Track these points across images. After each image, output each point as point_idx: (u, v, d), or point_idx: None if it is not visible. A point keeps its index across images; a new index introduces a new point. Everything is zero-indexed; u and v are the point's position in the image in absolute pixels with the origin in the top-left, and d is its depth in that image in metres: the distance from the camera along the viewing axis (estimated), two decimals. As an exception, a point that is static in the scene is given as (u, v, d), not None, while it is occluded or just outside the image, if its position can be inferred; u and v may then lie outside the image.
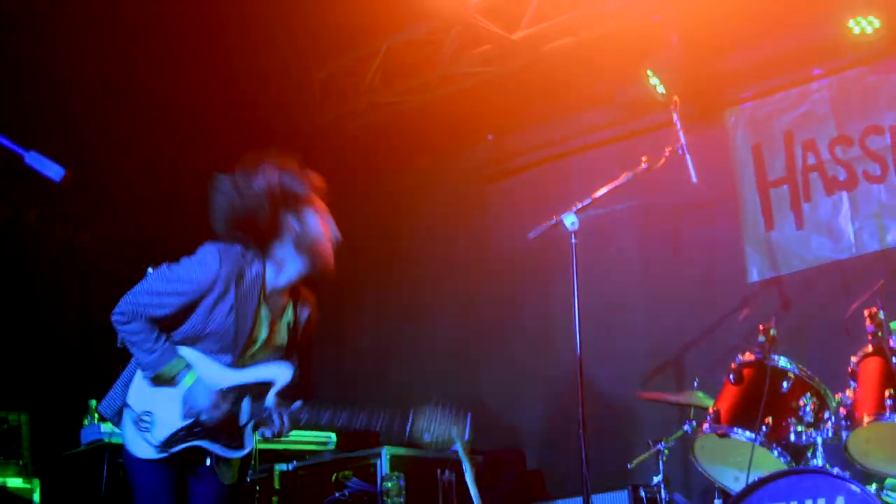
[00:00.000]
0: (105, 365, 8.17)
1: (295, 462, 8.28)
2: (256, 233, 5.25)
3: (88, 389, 8.00)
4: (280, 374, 5.32)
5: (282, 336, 5.46)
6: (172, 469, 5.30)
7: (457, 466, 7.82)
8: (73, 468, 7.86)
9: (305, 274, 5.38)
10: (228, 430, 5.30)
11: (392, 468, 7.87)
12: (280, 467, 8.21)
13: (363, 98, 9.66)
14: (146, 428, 5.24)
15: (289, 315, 5.48)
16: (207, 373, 5.28)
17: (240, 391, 5.28)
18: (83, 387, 8.22)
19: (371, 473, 7.94)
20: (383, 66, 9.44)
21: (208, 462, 5.35)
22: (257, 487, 7.75)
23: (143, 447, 5.24)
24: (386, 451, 7.91)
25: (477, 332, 9.75)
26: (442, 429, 5.21)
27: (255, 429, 5.37)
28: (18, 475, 7.76)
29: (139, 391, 5.33)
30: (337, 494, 8.02)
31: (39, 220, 8.83)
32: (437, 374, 9.79)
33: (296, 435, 8.29)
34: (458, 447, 7.38)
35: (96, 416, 7.69)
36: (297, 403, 5.28)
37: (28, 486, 7.66)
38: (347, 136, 9.97)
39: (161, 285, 5.26)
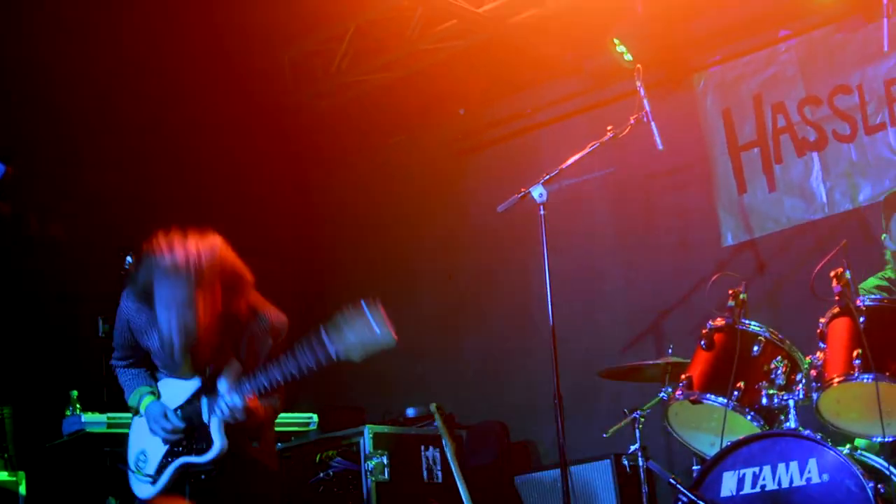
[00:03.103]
0: (84, 355, 8.23)
1: (280, 444, 8.29)
2: None
3: (69, 380, 8.03)
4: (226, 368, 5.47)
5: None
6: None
7: (440, 442, 7.85)
8: (56, 459, 7.88)
9: None
10: (195, 436, 5.44)
11: (375, 446, 7.89)
12: (264, 450, 8.22)
13: (334, 77, 9.66)
14: (142, 466, 5.50)
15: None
16: (166, 392, 5.57)
17: (198, 394, 5.46)
18: (64, 378, 8.23)
19: (354, 452, 7.96)
20: (352, 44, 9.43)
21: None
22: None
23: (142, 486, 5.50)
24: (369, 430, 7.93)
25: (456, 306, 9.76)
26: (358, 334, 5.15)
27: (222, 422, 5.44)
28: (4, 468, 7.74)
29: (133, 437, 5.63)
30: (321, 475, 8.05)
31: (12, 212, 8.79)
32: (417, 349, 9.79)
33: (278, 417, 8.31)
34: (438, 424, 7.42)
35: (77, 406, 7.70)
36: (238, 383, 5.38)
37: (13, 478, 7.65)
38: (319, 116, 9.98)
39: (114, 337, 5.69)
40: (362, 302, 5.11)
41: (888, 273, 6.61)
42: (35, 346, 8.74)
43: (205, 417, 5.43)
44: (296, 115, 10.03)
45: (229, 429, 5.41)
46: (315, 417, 8.41)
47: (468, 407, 9.22)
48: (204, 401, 5.44)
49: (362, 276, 10.35)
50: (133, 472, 5.52)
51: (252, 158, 9.87)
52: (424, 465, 8.14)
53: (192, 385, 5.50)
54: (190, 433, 5.45)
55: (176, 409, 5.46)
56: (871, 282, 6.59)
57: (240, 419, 5.36)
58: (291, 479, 8.14)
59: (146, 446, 5.52)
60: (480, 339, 9.57)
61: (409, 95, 9.69)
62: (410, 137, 10.17)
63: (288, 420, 8.37)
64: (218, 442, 5.41)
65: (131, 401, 5.57)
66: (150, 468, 5.48)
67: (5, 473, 7.64)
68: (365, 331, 5.12)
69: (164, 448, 5.47)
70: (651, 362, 7.07)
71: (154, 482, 5.44)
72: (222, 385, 5.43)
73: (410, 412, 8.59)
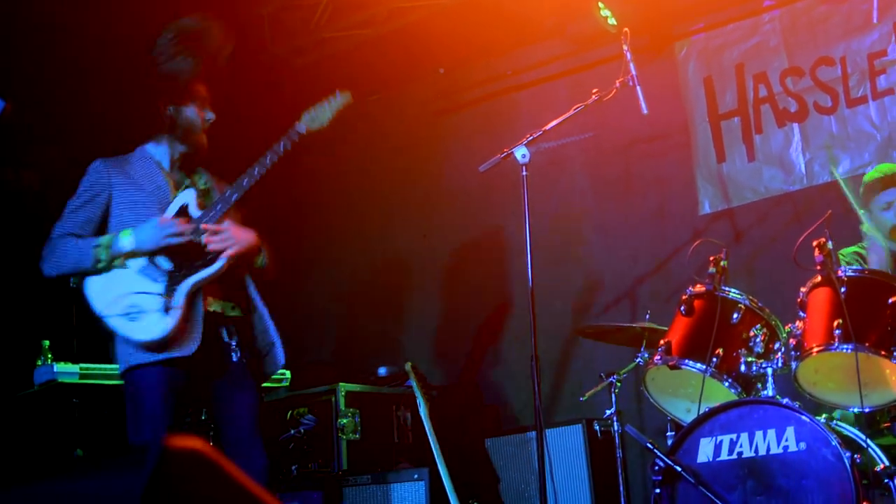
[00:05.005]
0: (57, 305, 8.16)
1: (250, 400, 8.26)
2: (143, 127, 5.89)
3: (41, 330, 7.96)
4: (185, 196, 5.76)
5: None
6: (182, 376, 5.52)
7: (412, 402, 7.83)
8: (27, 409, 7.82)
9: (184, 153, 5.91)
10: (195, 253, 5.60)
11: (347, 405, 7.88)
12: (235, 405, 8.18)
13: (313, 33, 9.57)
14: (139, 313, 5.46)
15: (199, 183, 5.95)
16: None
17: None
18: (35, 327, 8.16)
19: (327, 410, 7.95)
20: (333, 0, 9.34)
21: (235, 357, 5.68)
22: (213, 426, 7.74)
23: (152, 325, 5.46)
24: (341, 388, 7.91)
25: (431, 266, 9.74)
26: (323, 111, 5.97)
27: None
28: (-27, 418, 7.72)
29: (106, 301, 5.55)
30: (292, 432, 8.03)
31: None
32: (391, 308, 9.80)
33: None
34: (412, 382, 7.41)
35: (49, 356, 7.65)
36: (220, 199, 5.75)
37: (-19, 427, 7.63)
38: (297, 71, 9.89)
39: (67, 207, 5.77)
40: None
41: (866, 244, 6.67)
42: (6, 295, 8.67)
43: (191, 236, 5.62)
44: (273, 71, 9.93)
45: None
46: (288, 374, 8.38)
47: (440, 367, 9.24)
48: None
49: (337, 234, 10.32)
50: (132, 320, 5.47)
51: (227, 113, 9.77)
52: (396, 425, 8.14)
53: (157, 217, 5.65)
54: (191, 251, 5.60)
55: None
56: (850, 249, 6.63)
57: (225, 241, 5.63)
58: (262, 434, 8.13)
59: (134, 296, 5.51)
60: (454, 300, 9.55)
61: (389, 53, 9.60)
62: (389, 96, 10.11)
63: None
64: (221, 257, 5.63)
65: (104, 242, 5.55)
66: (155, 305, 5.47)
67: (-26, 423, 7.61)
68: (329, 104, 6.00)
69: (160, 285, 5.52)
70: (629, 324, 7.08)
71: (168, 309, 5.46)
72: (194, 211, 5.71)
73: (382, 371, 8.58)
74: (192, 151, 5.90)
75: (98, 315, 5.55)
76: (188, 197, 5.72)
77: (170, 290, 5.49)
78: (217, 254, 5.58)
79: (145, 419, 5.42)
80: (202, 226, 5.61)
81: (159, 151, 5.87)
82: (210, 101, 6.03)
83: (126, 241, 5.50)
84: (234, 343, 5.68)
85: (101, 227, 5.69)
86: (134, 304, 5.47)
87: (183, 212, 5.66)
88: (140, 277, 5.53)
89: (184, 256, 5.57)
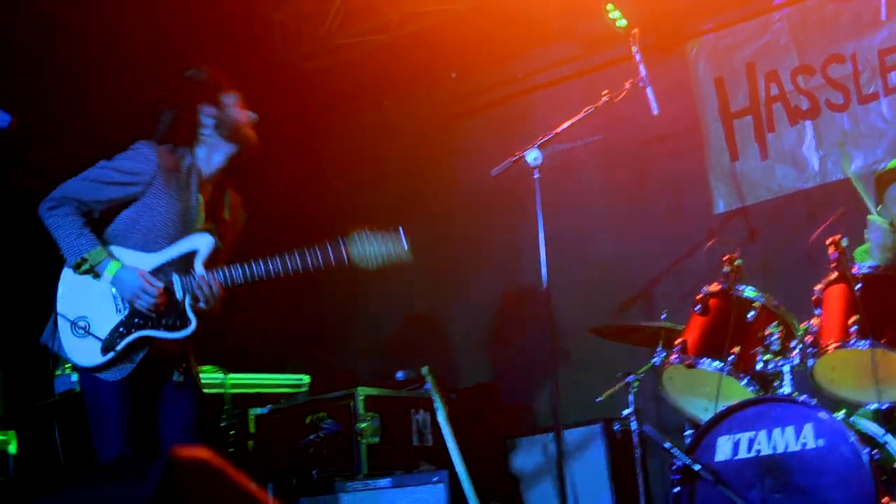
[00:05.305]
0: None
1: (269, 406, 8.29)
2: (182, 128, 5.57)
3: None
4: (200, 242, 5.51)
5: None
6: (129, 388, 5.40)
7: (431, 405, 7.86)
8: (47, 418, 7.86)
9: (233, 154, 5.65)
10: (167, 311, 5.43)
11: (366, 408, 7.89)
12: (255, 411, 8.22)
13: (324, 39, 9.59)
14: (84, 332, 5.34)
15: (225, 213, 5.76)
16: (130, 259, 5.41)
17: (166, 269, 5.44)
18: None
19: (346, 414, 7.96)
20: (344, 6, 9.37)
21: (176, 377, 5.56)
22: (232, 432, 7.78)
23: (86, 352, 5.35)
24: (360, 392, 7.93)
25: (446, 269, 9.74)
26: (377, 248, 5.59)
27: (193, 303, 5.46)
28: (-6, 428, 7.75)
29: (68, 297, 5.45)
30: (312, 436, 8.05)
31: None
32: (406, 312, 9.81)
33: (269, 378, 8.32)
34: (430, 386, 7.43)
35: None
36: (230, 269, 5.50)
37: (4, 437, 7.64)
38: (309, 78, 9.93)
39: (98, 173, 5.49)
40: (400, 229, 5.65)
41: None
42: (21, 305, 8.70)
43: (178, 294, 5.43)
44: (285, 77, 9.96)
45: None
46: (306, 379, 8.41)
47: (458, 370, 9.26)
48: (175, 277, 5.44)
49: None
50: (75, 334, 5.38)
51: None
52: (415, 428, 8.16)
53: (158, 258, 5.45)
54: (164, 308, 5.42)
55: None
56: (862, 248, 6.65)
57: (210, 305, 5.45)
58: (282, 440, 8.16)
59: (90, 311, 5.39)
60: (471, 303, 9.57)
61: (401, 58, 9.63)
62: (401, 101, 10.14)
63: (279, 381, 8.38)
64: (193, 320, 5.44)
65: (92, 254, 5.34)
66: (99, 334, 5.35)
67: (-4, 433, 7.64)
68: (386, 245, 5.58)
69: (118, 317, 5.38)
70: (646, 323, 7.10)
71: (106, 350, 5.32)
72: (198, 265, 5.46)
73: (400, 375, 8.60)
74: (242, 150, 5.68)
75: (55, 310, 5.47)
76: (203, 245, 5.52)
77: (122, 330, 5.37)
78: (186, 322, 5.44)
79: (109, 431, 5.44)
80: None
81: (202, 158, 5.63)
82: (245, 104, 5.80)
83: (108, 272, 5.34)
84: (180, 369, 5.65)
85: (114, 208, 5.51)
86: (86, 319, 5.39)
87: (189, 257, 5.48)
88: (107, 298, 5.41)
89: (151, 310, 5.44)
